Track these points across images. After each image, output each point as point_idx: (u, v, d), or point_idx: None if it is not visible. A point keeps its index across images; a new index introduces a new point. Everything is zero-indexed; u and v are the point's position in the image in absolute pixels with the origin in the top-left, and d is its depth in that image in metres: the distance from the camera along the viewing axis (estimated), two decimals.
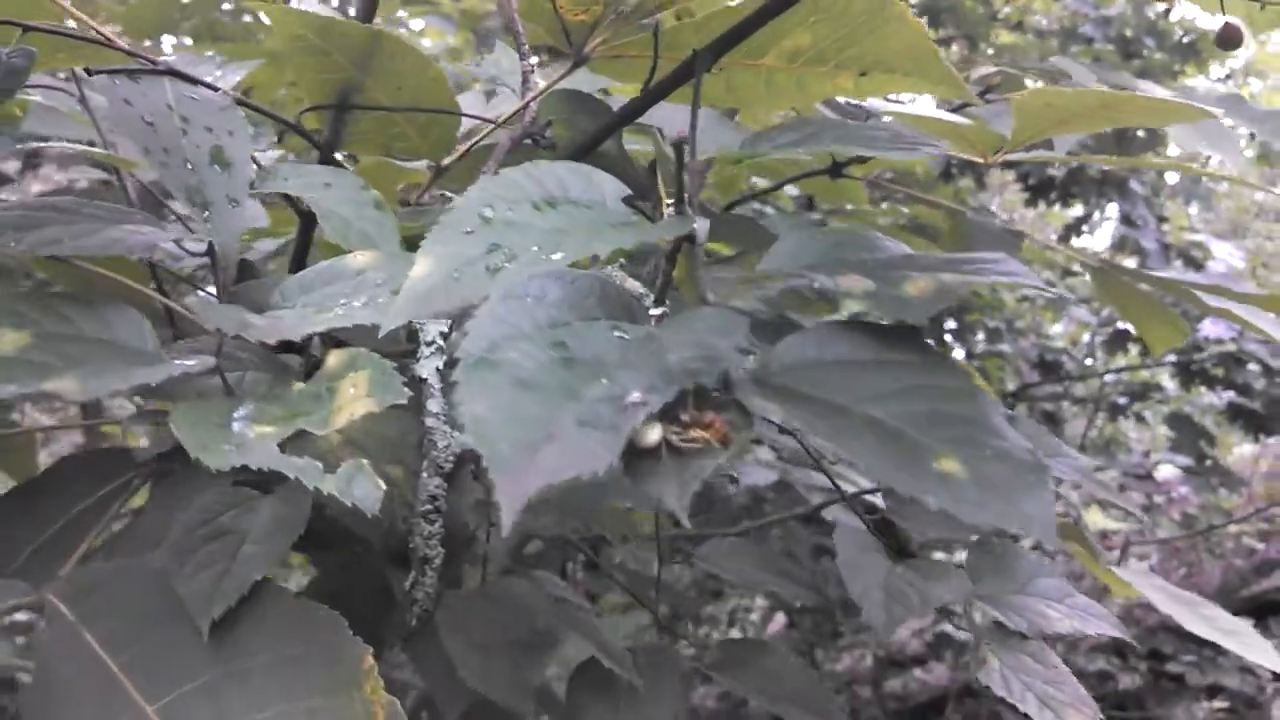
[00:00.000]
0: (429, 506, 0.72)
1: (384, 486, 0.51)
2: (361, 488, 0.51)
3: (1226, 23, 0.73)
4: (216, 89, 0.72)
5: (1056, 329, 4.20)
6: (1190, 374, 3.46)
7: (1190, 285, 1.28)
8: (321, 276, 0.63)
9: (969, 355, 3.28)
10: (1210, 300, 1.24)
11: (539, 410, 0.46)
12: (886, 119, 1.02)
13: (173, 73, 0.70)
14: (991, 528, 0.83)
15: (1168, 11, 3.71)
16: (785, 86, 0.88)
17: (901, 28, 0.84)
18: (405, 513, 0.72)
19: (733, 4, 0.81)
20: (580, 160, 0.78)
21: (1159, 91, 1.32)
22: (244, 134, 0.70)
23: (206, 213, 0.65)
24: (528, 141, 0.83)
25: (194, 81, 0.71)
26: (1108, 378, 3.80)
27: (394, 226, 0.68)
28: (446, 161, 0.84)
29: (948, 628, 2.68)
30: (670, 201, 0.58)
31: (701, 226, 0.58)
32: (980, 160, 1.05)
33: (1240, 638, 1.24)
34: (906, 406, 0.47)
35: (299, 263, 0.83)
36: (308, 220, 0.81)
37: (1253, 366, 3.45)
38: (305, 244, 0.82)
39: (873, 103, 0.98)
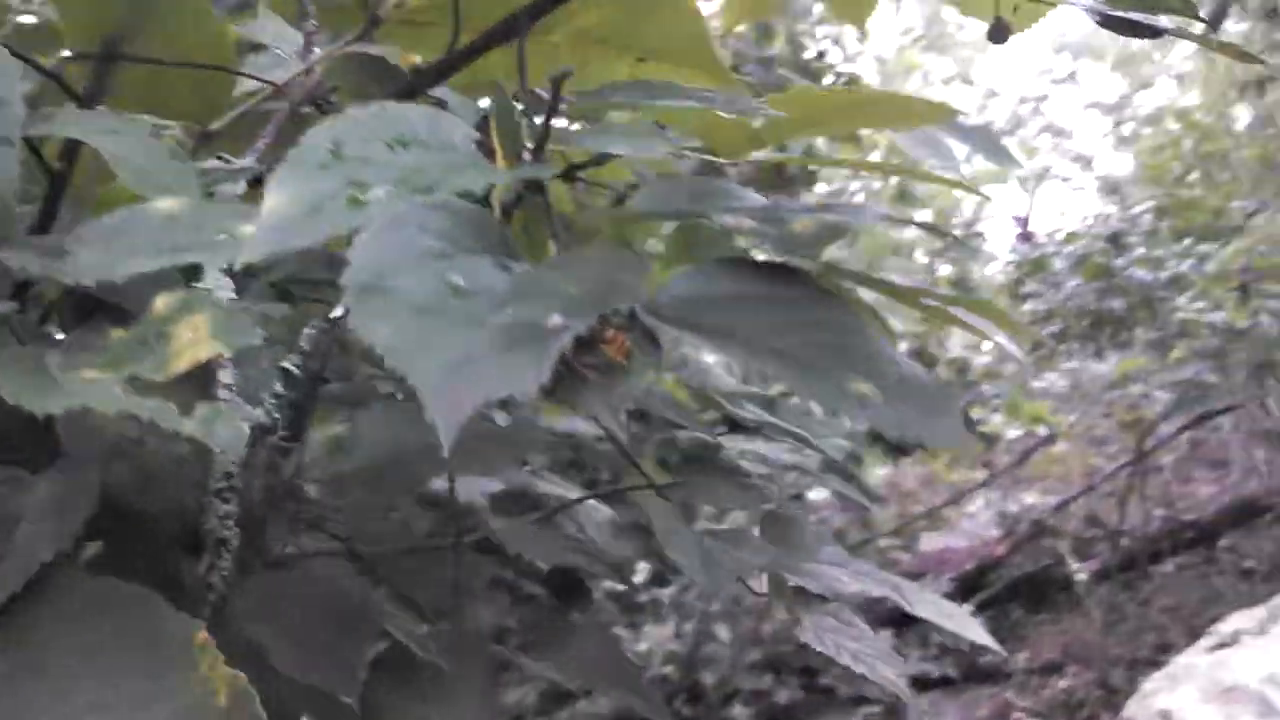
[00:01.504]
0: (223, 484, 0.66)
1: (247, 429, 0.47)
2: (225, 429, 0.46)
3: (998, 18, 0.79)
4: None
5: None
6: None
7: (910, 291, 1.36)
8: (123, 224, 0.57)
9: None
10: (925, 302, 1.33)
11: (447, 337, 0.43)
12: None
13: None
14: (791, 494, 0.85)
15: (820, 55, 3.99)
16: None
17: (678, 15, 0.86)
18: (196, 492, 0.66)
19: None
20: None
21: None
22: (11, 72, 0.62)
23: None
24: (309, 108, 0.79)
25: None
26: None
27: (195, 177, 0.63)
28: (216, 125, 0.78)
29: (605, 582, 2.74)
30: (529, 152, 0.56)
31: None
32: (726, 161, 1.08)
33: (956, 619, 1.33)
34: (808, 338, 0.48)
35: (48, 221, 0.74)
36: (59, 175, 0.73)
37: None
38: (55, 201, 0.74)
39: None
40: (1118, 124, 7.70)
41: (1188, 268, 4.47)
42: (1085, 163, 7.96)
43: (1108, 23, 0.78)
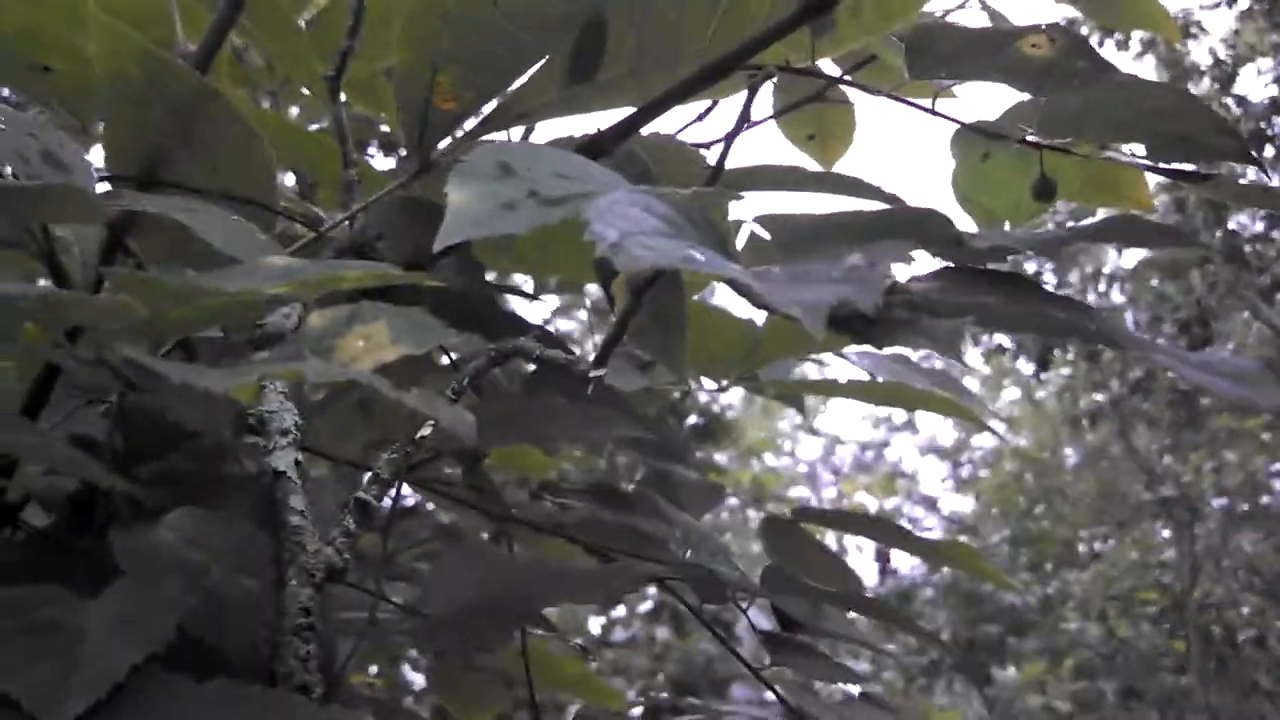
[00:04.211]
0: (302, 621, 0.54)
1: (472, 418, 0.38)
2: (448, 411, 0.37)
3: (1044, 175, 0.79)
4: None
5: None
6: None
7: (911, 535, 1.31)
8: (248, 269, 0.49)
9: None
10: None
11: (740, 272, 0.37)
12: None
13: None
14: None
15: (684, 396, 4.08)
16: None
17: None
18: (266, 633, 0.54)
19: None
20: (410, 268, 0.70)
21: None
22: (76, 147, 0.56)
23: None
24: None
25: None
26: None
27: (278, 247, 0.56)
28: None
29: None
30: None
31: None
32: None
33: None
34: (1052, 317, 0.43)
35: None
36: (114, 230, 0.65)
37: None
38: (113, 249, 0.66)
39: None
40: (956, 466, 8.07)
41: (1053, 591, 4.57)
42: (930, 504, 8.24)
43: (1154, 171, 0.79)
